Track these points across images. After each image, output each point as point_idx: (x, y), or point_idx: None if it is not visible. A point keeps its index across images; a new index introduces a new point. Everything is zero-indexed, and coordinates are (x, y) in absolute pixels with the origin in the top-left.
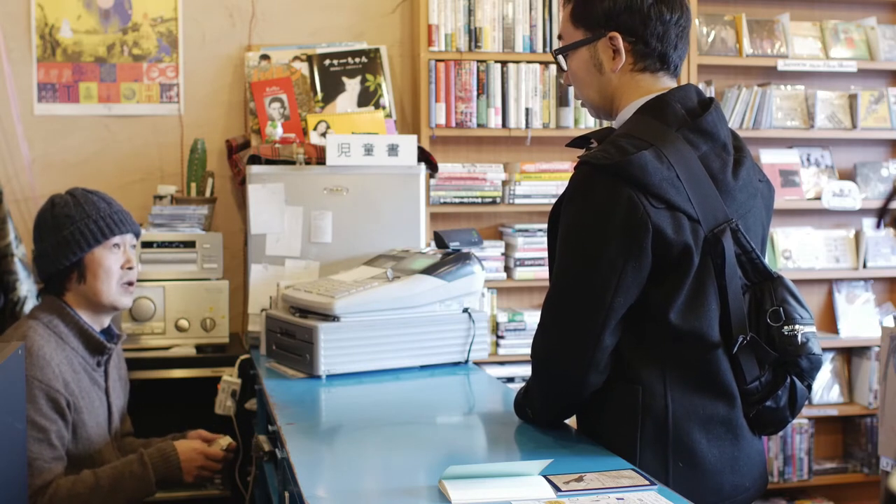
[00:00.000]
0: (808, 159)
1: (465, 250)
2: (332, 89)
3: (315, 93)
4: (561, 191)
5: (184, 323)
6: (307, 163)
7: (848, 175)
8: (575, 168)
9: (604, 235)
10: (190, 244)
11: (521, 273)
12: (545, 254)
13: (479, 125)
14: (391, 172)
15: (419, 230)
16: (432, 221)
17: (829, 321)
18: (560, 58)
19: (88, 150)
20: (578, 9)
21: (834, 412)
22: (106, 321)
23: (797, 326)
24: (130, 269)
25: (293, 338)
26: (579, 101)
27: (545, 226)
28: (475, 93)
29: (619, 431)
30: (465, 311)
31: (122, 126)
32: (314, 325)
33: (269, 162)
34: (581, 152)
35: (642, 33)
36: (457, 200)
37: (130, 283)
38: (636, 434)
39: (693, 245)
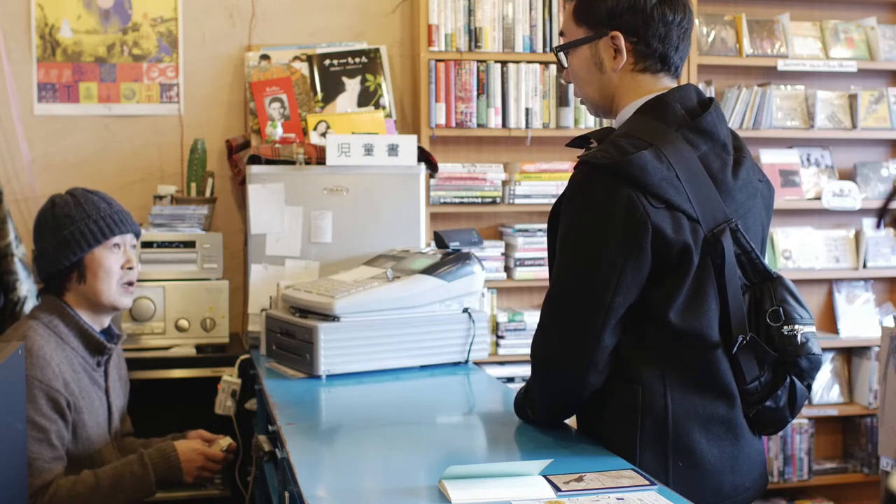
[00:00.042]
0: (808, 159)
1: (465, 250)
2: (332, 89)
3: (315, 93)
4: (561, 191)
5: (184, 323)
6: (307, 163)
7: (848, 175)
8: (575, 168)
9: (603, 235)
10: (190, 244)
11: (521, 273)
12: (545, 254)
13: (479, 125)
14: (391, 172)
15: (419, 230)
16: (432, 221)
17: (829, 321)
18: (561, 55)
19: (88, 150)
20: (581, 7)
21: (834, 412)
22: (106, 321)
23: (797, 326)
24: (131, 269)
25: (293, 338)
26: (579, 101)
27: (545, 226)
28: (475, 93)
29: (618, 431)
30: (465, 311)
31: (122, 126)
32: (314, 325)
33: (269, 162)
34: (581, 152)
35: (644, 34)
36: (457, 200)
37: (130, 283)
38: (636, 434)
39: (693, 245)
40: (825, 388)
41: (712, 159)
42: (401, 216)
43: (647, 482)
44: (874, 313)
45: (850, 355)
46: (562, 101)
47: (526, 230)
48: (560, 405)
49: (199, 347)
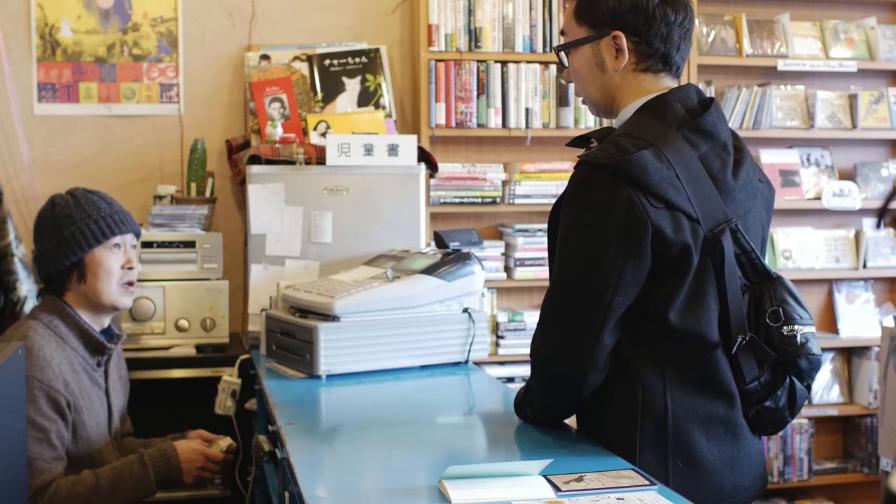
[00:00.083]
0: (808, 159)
1: (465, 250)
2: (332, 89)
3: (315, 93)
4: (561, 191)
5: (184, 323)
6: (307, 163)
7: (848, 175)
8: (575, 167)
9: (603, 235)
10: (190, 244)
11: (521, 273)
12: (545, 254)
13: (479, 125)
14: (391, 172)
15: (419, 230)
16: (432, 221)
17: (829, 321)
18: (562, 54)
19: (88, 150)
20: (583, 6)
21: (834, 412)
22: (106, 321)
23: (796, 327)
24: (131, 269)
25: (293, 338)
26: (580, 100)
27: (545, 226)
28: (475, 93)
29: (618, 431)
30: (465, 311)
31: (122, 126)
32: (314, 325)
33: (269, 162)
34: (581, 152)
35: (646, 33)
36: (457, 200)
37: (131, 283)
38: (636, 434)
39: (692, 245)
40: (825, 388)
41: (712, 159)
42: (401, 216)
43: (647, 482)
44: (874, 313)
45: (850, 355)
46: (562, 101)
47: (526, 230)
48: (560, 405)
49: (199, 347)
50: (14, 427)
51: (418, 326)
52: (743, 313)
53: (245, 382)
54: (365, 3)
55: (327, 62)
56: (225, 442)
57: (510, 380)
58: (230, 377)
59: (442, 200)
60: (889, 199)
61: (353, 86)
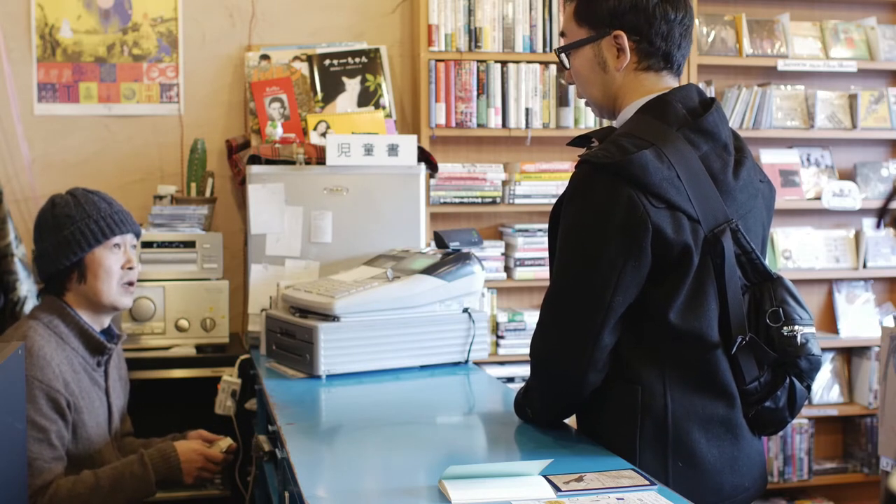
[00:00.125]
0: (808, 159)
1: (465, 250)
2: (332, 89)
3: (315, 93)
4: (561, 191)
5: (184, 323)
6: (307, 163)
7: (848, 175)
8: (576, 167)
9: (603, 235)
10: (190, 244)
11: (521, 273)
12: (545, 254)
13: (479, 125)
14: (391, 172)
15: (419, 230)
16: (432, 221)
17: (829, 321)
18: (563, 56)
19: (88, 150)
20: (582, 7)
21: (834, 412)
22: (106, 321)
23: (796, 327)
24: (131, 269)
25: (293, 338)
26: (581, 101)
27: (545, 226)
28: (475, 93)
29: (618, 431)
30: (465, 311)
31: (122, 126)
32: (314, 325)
33: (269, 162)
34: (582, 151)
35: (647, 32)
36: (457, 200)
37: (131, 283)
38: (636, 434)
39: (693, 245)
40: (825, 388)
41: (713, 159)
42: (401, 216)
43: (646, 482)
44: (874, 313)
45: (850, 355)
46: (562, 101)
47: (526, 230)
48: (560, 405)
49: (199, 347)
50: (14, 427)
51: (418, 326)
52: (743, 313)
53: (245, 382)
54: (365, 3)
55: (327, 62)
56: (225, 442)
57: (510, 380)
58: (230, 377)
59: (442, 200)
60: (889, 199)
61: (353, 86)
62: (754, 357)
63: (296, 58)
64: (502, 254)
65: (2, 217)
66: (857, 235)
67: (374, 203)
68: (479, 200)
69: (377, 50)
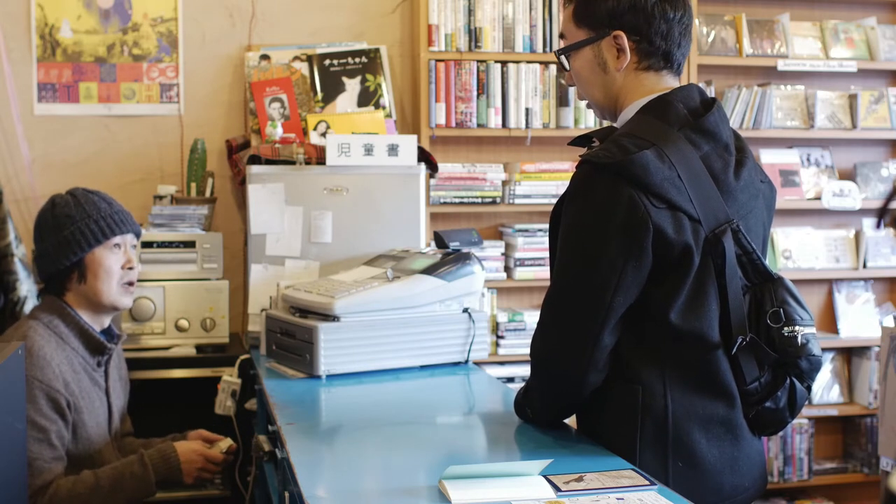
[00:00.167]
0: (808, 159)
1: (465, 250)
2: (332, 89)
3: (315, 93)
4: (561, 191)
5: (184, 323)
6: (307, 163)
7: (848, 175)
8: (576, 167)
9: (604, 235)
10: (190, 244)
11: (521, 273)
12: (545, 254)
13: (479, 125)
14: (391, 172)
15: (419, 230)
16: (432, 221)
17: (829, 321)
18: (563, 58)
19: (88, 150)
20: (581, 8)
21: (834, 412)
22: (106, 321)
23: (797, 328)
24: (131, 269)
25: (293, 338)
26: (582, 102)
27: (545, 226)
28: (475, 93)
29: (618, 431)
30: (465, 311)
31: (122, 126)
32: (314, 325)
33: (269, 162)
34: (583, 151)
35: (646, 32)
36: (457, 200)
37: (131, 284)
38: (636, 434)
39: (694, 245)
40: (825, 388)
41: (714, 159)
42: (401, 216)
43: (646, 482)
44: (874, 313)
45: (850, 355)
46: (562, 101)
47: (526, 230)
48: (560, 405)
49: (199, 347)
50: (14, 427)
51: (418, 326)
52: (744, 314)
53: (245, 382)
54: (365, 3)
55: (327, 62)
56: (225, 443)
57: (510, 380)
58: (230, 377)
59: (442, 200)
60: (889, 199)
61: (353, 86)
62: (755, 357)
63: (296, 58)
64: (502, 254)
65: (2, 217)
66: (857, 235)
67: (374, 203)
68: (479, 200)
69: (377, 50)
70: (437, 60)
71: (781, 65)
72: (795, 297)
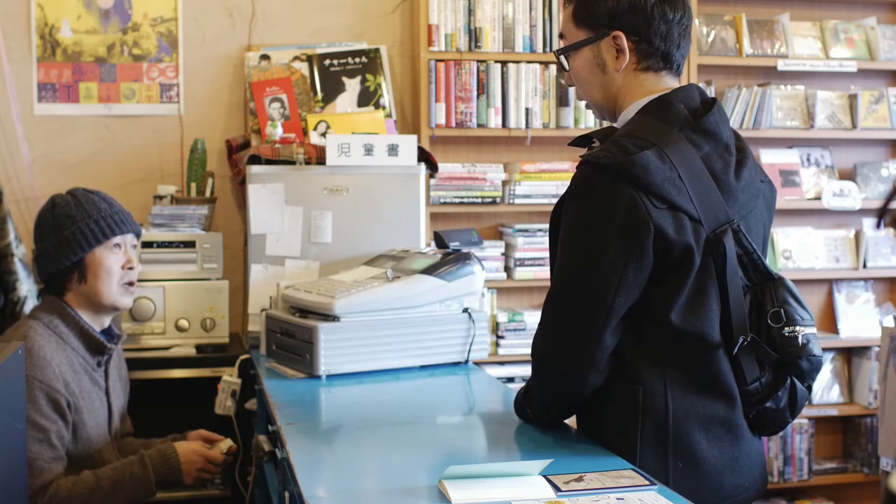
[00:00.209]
0: (808, 159)
1: (465, 250)
2: (332, 89)
3: (315, 93)
4: (561, 191)
5: (184, 323)
6: (307, 163)
7: (848, 175)
8: (577, 167)
9: (605, 235)
10: (190, 244)
11: (521, 273)
12: (545, 254)
13: (479, 125)
14: (391, 172)
15: (419, 230)
16: (432, 221)
17: (829, 321)
18: (562, 58)
19: (88, 150)
20: (580, 8)
21: (834, 412)
22: (106, 321)
23: (798, 328)
24: (131, 269)
25: (293, 338)
26: (581, 102)
27: (545, 226)
28: (475, 93)
29: (619, 431)
30: (465, 311)
31: (122, 126)
32: (314, 325)
33: (269, 162)
34: (583, 152)
35: (646, 32)
36: (457, 200)
37: (131, 284)
38: (636, 434)
39: (694, 245)
40: (825, 388)
41: (714, 160)
42: (401, 216)
43: (647, 482)
44: (874, 313)
45: (850, 355)
46: (562, 101)
47: (526, 230)
48: (560, 405)
49: (199, 347)
50: (14, 427)
51: (418, 326)
52: (744, 314)
53: (245, 382)
54: (365, 3)
55: (327, 62)
56: (226, 444)
57: (510, 380)
58: (230, 377)
59: (442, 200)
60: (889, 199)
61: (353, 86)
62: (755, 357)
63: (296, 58)
64: (502, 254)
65: (2, 217)
66: (857, 235)
67: (374, 203)
68: (479, 200)
69: (377, 50)
70: (437, 60)
71: (781, 65)
72: (796, 297)
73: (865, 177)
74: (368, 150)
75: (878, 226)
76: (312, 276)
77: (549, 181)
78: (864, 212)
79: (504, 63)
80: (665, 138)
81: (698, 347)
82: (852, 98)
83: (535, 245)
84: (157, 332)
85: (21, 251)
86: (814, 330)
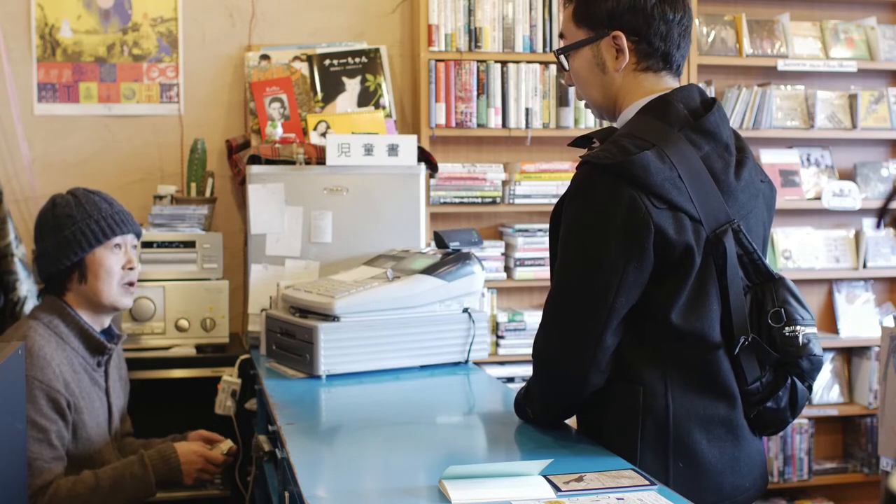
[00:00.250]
0: (808, 159)
1: (465, 250)
2: (332, 89)
3: (315, 93)
4: (561, 191)
5: (184, 323)
6: (307, 163)
7: (848, 175)
8: (577, 168)
9: (605, 236)
10: (190, 244)
11: (521, 273)
12: (545, 254)
13: (479, 125)
14: (391, 172)
15: (419, 230)
16: (432, 221)
17: (829, 321)
18: (562, 58)
19: (88, 150)
20: (581, 8)
21: (834, 412)
22: (106, 321)
23: (798, 327)
24: (131, 269)
25: (293, 338)
26: (581, 102)
27: (545, 226)
28: (475, 93)
29: (619, 431)
30: (465, 311)
31: (122, 126)
32: (314, 325)
33: (269, 162)
34: (583, 152)
35: (646, 33)
36: (457, 200)
37: (131, 284)
38: (637, 434)
39: (695, 245)
40: (825, 388)
41: (714, 160)
42: (401, 216)
43: (647, 482)
44: (874, 313)
45: (850, 355)
46: (562, 101)
47: (526, 230)
48: (561, 405)
49: (199, 347)
50: (14, 427)
51: (418, 326)
52: (745, 314)
53: (245, 382)
54: (365, 3)
55: (327, 62)
56: (226, 445)
57: (510, 380)
58: (230, 377)
59: (442, 200)
60: (889, 199)
61: (353, 86)
62: (756, 357)
63: (296, 58)
64: (502, 254)
65: (2, 217)
66: (857, 235)
67: (374, 203)
68: (479, 200)
69: (377, 50)
70: (437, 60)
71: (781, 65)
72: (796, 297)
73: (865, 177)
74: (368, 150)
75: (878, 226)
76: (312, 276)
77: (549, 181)
78: (864, 212)
79: (504, 63)
80: (665, 138)
81: (699, 347)
82: (852, 98)
83: (535, 245)
84: (157, 332)
85: (21, 251)
86: (814, 330)
